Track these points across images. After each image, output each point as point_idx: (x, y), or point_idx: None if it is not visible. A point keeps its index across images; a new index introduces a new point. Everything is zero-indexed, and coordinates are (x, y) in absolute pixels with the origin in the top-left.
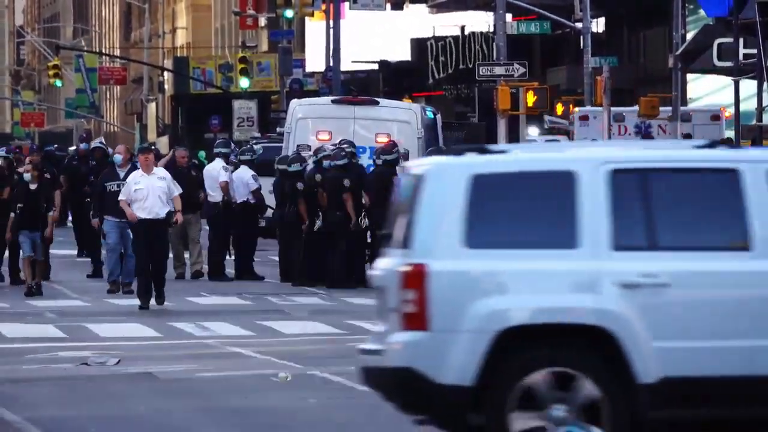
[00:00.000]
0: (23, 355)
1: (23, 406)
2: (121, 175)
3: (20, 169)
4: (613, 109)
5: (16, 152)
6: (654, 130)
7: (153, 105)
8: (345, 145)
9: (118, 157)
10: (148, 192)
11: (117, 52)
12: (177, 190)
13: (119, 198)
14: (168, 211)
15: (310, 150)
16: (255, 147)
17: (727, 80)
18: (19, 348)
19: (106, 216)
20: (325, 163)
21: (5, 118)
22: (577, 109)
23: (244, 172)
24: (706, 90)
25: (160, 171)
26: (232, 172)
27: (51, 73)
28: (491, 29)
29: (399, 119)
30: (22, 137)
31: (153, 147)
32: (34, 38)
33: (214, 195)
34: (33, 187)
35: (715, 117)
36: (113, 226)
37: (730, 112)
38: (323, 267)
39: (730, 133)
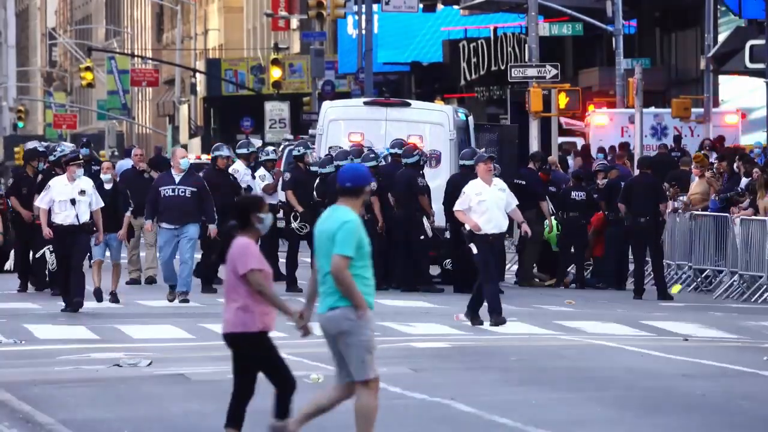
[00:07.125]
0: (55, 357)
1: (56, 408)
2: (177, 179)
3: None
4: (625, 110)
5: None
6: (670, 131)
7: (185, 107)
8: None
9: (185, 162)
10: (490, 204)
11: (149, 54)
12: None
13: (458, 208)
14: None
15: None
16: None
17: (759, 82)
18: (52, 349)
19: (161, 223)
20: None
21: (37, 120)
22: (592, 110)
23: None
24: (738, 92)
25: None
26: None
27: (83, 74)
28: (523, 31)
29: (431, 121)
30: (54, 139)
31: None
32: (66, 40)
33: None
34: (108, 187)
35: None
36: (167, 235)
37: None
38: None
39: (755, 136)
